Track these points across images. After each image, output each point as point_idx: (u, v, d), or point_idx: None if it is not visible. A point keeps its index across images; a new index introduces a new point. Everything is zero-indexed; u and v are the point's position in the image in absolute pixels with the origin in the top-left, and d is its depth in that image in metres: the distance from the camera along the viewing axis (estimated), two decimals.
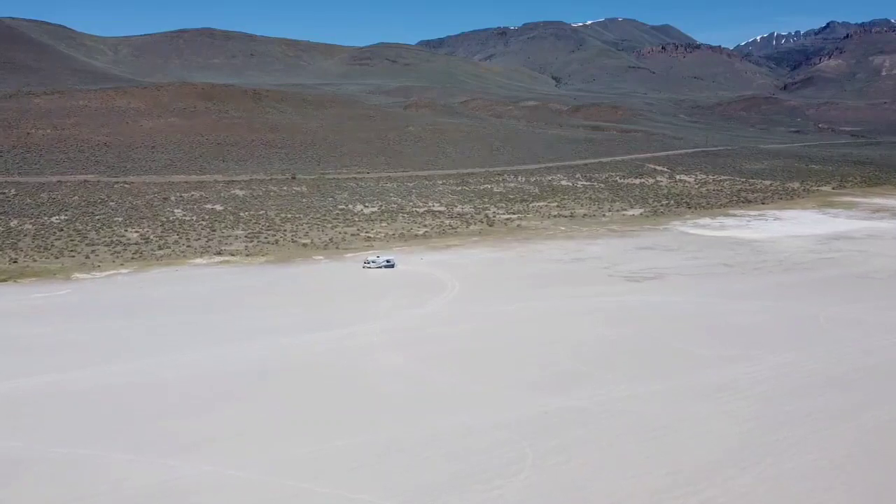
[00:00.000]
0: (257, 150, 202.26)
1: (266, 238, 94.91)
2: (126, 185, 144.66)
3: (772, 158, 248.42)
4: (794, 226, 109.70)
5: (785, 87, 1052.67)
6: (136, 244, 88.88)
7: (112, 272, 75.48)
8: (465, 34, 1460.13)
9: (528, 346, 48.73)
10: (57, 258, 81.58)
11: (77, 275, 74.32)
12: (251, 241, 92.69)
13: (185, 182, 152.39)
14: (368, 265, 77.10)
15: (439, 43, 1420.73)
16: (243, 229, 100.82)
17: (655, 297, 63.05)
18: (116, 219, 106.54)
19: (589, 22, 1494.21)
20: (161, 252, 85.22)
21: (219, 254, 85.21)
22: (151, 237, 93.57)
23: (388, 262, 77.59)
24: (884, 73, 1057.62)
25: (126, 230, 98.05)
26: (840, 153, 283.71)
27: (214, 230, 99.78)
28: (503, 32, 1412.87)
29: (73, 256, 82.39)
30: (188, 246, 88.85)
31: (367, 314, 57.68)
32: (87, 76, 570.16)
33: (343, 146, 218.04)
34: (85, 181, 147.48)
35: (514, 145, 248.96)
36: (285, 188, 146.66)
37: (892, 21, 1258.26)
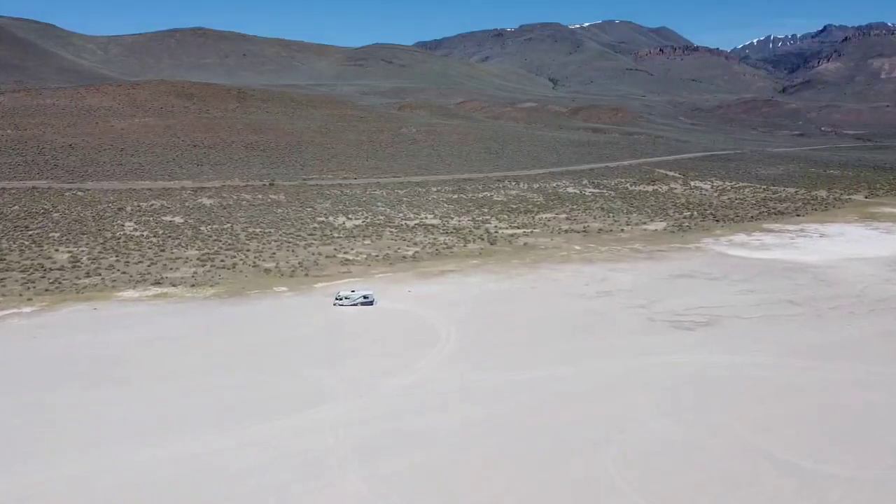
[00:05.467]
0: (237, 153, 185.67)
1: (222, 260, 78.55)
2: (79, 193, 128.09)
3: (785, 163, 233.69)
4: (846, 245, 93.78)
5: (784, 90, 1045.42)
6: (59, 270, 72.46)
7: (11, 311, 59.06)
8: (462, 35, 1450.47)
9: (562, 457, 32.34)
10: None
11: None
12: (203, 266, 76.33)
13: (149, 189, 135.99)
14: (341, 302, 60.87)
15: (436, 44, 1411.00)
16: (199, 248, 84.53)
17: (718, 356, 46.86)
18: (53, 234, 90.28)
19: (586, 24, 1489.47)
20: (86, 281, 68.81)
21: (158, 283, 68.80)
22: (83, 260, 77.16)
23: (365, 297, 61.36)
24: (883, 77, 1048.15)
25: (57, 249, 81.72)
26: (854, 157, 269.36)
27: (164, 249, 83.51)
28: (500, 34, 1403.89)
29: None
30: (123, 272, 72.46)
31: (327, 388, 41.28)
32: (73, 75, 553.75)
33: (331, 149, 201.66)
34: (34, 188, 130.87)
35: (513, 148, 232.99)
36: (260, 196, 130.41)
37: (890, 25, 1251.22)
